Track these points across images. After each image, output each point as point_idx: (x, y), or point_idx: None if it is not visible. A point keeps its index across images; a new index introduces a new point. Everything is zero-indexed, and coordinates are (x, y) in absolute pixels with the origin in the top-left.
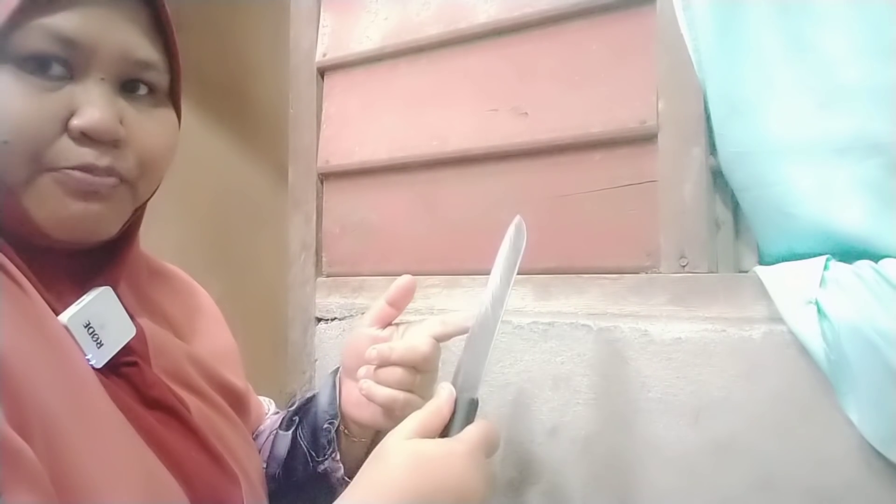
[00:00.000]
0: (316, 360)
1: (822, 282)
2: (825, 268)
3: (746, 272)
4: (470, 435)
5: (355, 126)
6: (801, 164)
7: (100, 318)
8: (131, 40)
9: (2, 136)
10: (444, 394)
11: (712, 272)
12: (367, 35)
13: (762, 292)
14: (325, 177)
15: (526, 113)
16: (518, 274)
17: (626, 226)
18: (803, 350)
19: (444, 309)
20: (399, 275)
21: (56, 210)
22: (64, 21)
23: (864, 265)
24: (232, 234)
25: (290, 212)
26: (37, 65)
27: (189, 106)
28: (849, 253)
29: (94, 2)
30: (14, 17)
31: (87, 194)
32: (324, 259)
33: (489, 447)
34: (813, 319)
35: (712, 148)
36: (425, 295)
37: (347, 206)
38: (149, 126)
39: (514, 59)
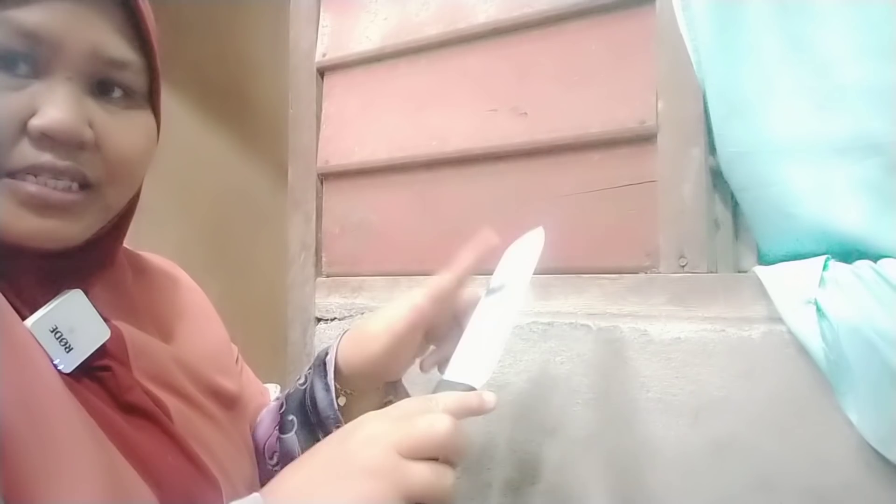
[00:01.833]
0: None
1: (822, 282)
2: (824, 268)
3: (746, 272)
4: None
5: (355, 126)
6: (800, 164)
7: (68, 321)
8: (102, 38)
9: None
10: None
11: (712, 272)
12: (366, 35)
13: (761, 292)
14: (325, 177)
15: (525, 113)
16: None
17: (625, 226)
18: (802, 350)
19: None
20: (399, 275)
21: (11, 222)
22: (28, 15)
23: (863, 265)
24: (232, 234)
25: (290, 212)
26: (1, 62)
27: (189, 106)
28: (848, 253)
29: (71, 2)
30: None
31: (43, 209)
32: (323, 259)
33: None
34: (812, 319)
35: (712, 148)
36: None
37: (347, 206)
38: (121, 129)
39: (513, 60)
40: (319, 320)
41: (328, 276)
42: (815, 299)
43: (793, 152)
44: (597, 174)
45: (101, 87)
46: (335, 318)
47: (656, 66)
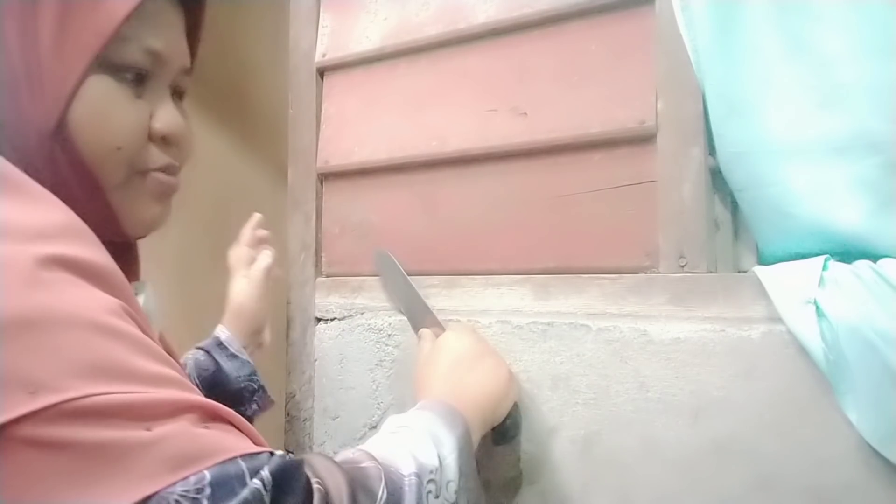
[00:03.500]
0: (316, 360)
1: (821, 282)
2: (824, 268)
3: (745, 272)
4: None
5: (355, 126)
6: (799, 163)
7: (151, 312)
8: (186, 51)
9: (116, 143)
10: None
11: (711, 272)
12: (366, 35)
13: (761, 292)
14: (325, 177)
15: (525, 113)
16: (517, 274)
17: (625, 226)
18: (802, 350)
19: (443, 309)
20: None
21: (141, 210)
22: (154, 37)
23: (862, 265)
24: (232, 234)
25: (290, 212)
26: (132, 75)
27: (189, 106)
28: (848, 253)
29: (171, 18)
30: (118, 31)
31: (164, 196)
32: (323, 259)
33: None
34: (812, 319)
35: (711, 148)
36: (425, 295)
37: (347, 207)
38: (188, 128)
39: (513, 60)
40: (319, 320)
41: (328, 276)
42: (815, 299)
43: (792, 152)
44: (596, 174)
45: (175, 91)
46: (335, 318)
47: (656, 66)
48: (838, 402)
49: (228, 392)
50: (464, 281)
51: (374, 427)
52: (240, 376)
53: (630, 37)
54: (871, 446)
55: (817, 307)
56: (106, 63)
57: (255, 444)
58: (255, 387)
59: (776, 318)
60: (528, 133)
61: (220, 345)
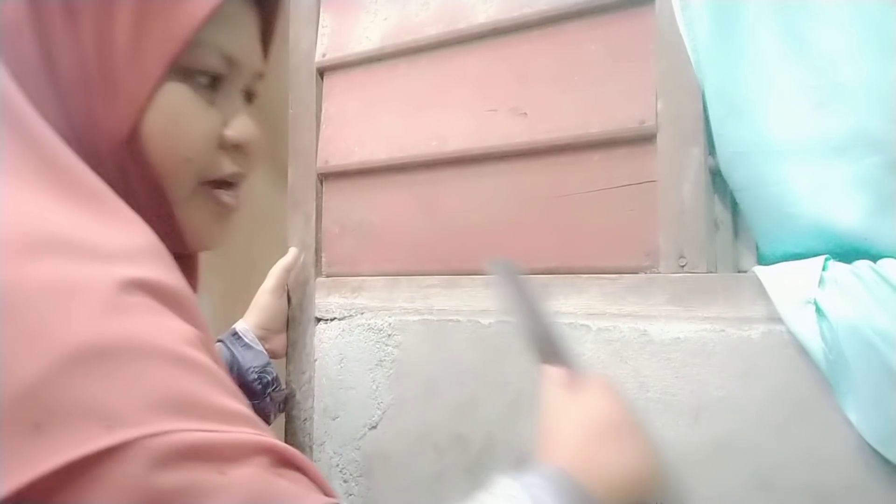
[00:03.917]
0: (316, 360)
1: (821, 282)
2: (824, 268)
3: (745, 272)
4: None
5: (355, 126)
6: (799, 163)
7: None
8: (260, 54)
9: (186, 154)
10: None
11: (711, 272)
12: (366, 35)
13: (761, 292)
14: (325, 177)
15: (525, 113)
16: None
17: (625, 226)
18: (802, 350)
19: (443, 309)
20: (399, 275)
21: (205, 225)
22: (230, 41)
23: (862, 265)
24: (232, 234)
25: (290, 212)
26: (207, 80)
27: None
28: (847, 253)
29: (246, 20)
30: (194, 35)
31: (230, 211)
32: (323, 259)
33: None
34: (812, 319)
35: (711, 148)
36: (425, 295)
37: (347, 207)
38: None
39: (513, 60)
40: (319, 320)
41: (328, 276)
42: (815, 299)
43: (792, 152)
44: (596, 174)
45: (246, 94)
46: (335, 318)
47: (656, 66)
48: (838, 402)
49: (243, 383)
50: (464, 281)
51: (374, 427)
52: (254, 367)
53: (630, 37)
54: (871, 446)
55: (817, 307)
56: (181, 68)
57: (325, 493)
58: (269, 378)
59: (776, 318)
60: (528, 133)
61: (235, 335)
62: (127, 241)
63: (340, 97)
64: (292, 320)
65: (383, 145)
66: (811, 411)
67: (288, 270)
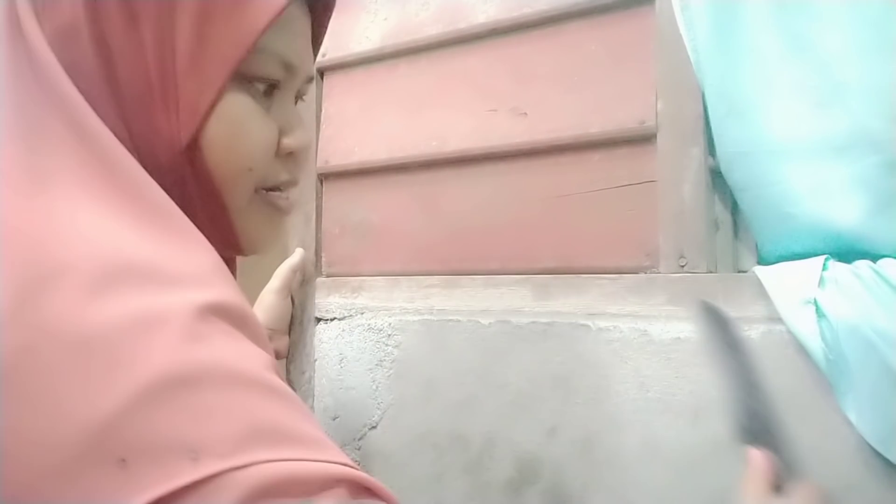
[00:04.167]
0: (316, 360)
1: (821, 282)
2: (824, 268)
3: (745, 272)
4: None
5: (355, 126)
6: (799, 163)
7: None
8: (312, 60)
9: (247, 164)
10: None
11: (711, 272)
12: (366, 35)
13: (761, 292)
14: (325, 177)
15: (525, 113)
16: (517, 274)
17: (625, 226)
18: (802, 350)
19: (443, 309)
20: (399, 275)
21: (262, 231)
22: (288, 47)
23: (862, 265)
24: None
25: None
26: (264, 87)
27: None
28: (847, 252)
29: (302, 26)
30: (257, 42)
31: (285, 214)
32: (323, 259)
33: None
34: (811, 319)
35: (711, 148)
36: (425, 295)
37: (347, 207)
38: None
39: (513, 60)
40: (319, 320)
41: (328, 276)
42: (815, 299)
43: (792, 152)
44: (596, 174)
45: (296, 98)
46: (335, 318)
47: (655, 66)
48: (838, 402)
49: None
50: (464, 281)
51: (374, 427)
52: None
53: (630, 37)
54: (871, 446)
55: (817, 307)
56: (240, 76)
57: None
58: None
59: (776, 318)
60: (528, 133)
61: None
62: (195, 262)
63: (340, 97)
64: (292, 320)
65: (383, 145)
66: (811, 411)
67: (294, 271)
